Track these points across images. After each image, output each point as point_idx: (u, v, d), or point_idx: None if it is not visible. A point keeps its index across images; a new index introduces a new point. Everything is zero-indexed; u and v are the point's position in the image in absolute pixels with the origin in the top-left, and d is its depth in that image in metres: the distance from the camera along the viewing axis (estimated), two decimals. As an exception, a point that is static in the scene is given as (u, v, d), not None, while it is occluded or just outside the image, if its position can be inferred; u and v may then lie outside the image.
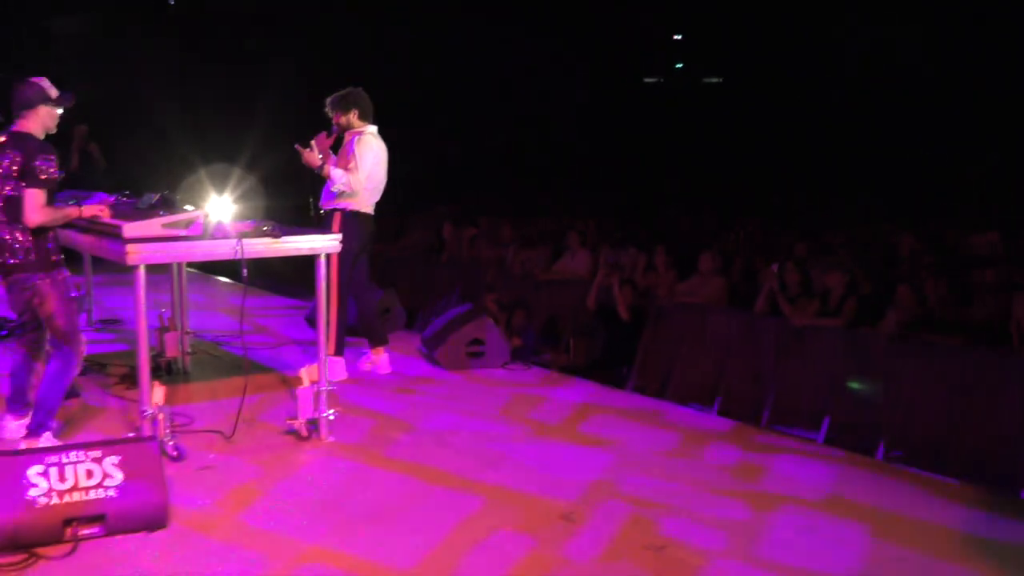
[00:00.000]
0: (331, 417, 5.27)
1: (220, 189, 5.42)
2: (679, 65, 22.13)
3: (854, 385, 7.49)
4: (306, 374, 5.24)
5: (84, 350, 4.98)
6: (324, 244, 5.16)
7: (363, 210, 6.29)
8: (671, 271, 9.11)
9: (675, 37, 21.30)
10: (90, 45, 12.74)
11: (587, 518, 4.44)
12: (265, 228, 4.95)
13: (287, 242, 5.04)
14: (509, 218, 11.81)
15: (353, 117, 6.22)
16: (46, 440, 4.82)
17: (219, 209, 5.01)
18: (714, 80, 22.64)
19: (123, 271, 9.32)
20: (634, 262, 9.47)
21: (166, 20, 14.82)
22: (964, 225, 10.61)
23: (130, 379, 6.21)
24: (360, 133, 6.22)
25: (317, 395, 5.21)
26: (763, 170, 15.85)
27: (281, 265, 7.42)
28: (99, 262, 7.72)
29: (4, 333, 7.09)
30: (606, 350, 8.92)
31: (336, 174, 6.08)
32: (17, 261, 4.70)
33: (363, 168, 6.12)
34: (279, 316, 8.63)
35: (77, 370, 4.99)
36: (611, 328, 8.83)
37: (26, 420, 5.12)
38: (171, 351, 6.46)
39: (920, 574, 4.14)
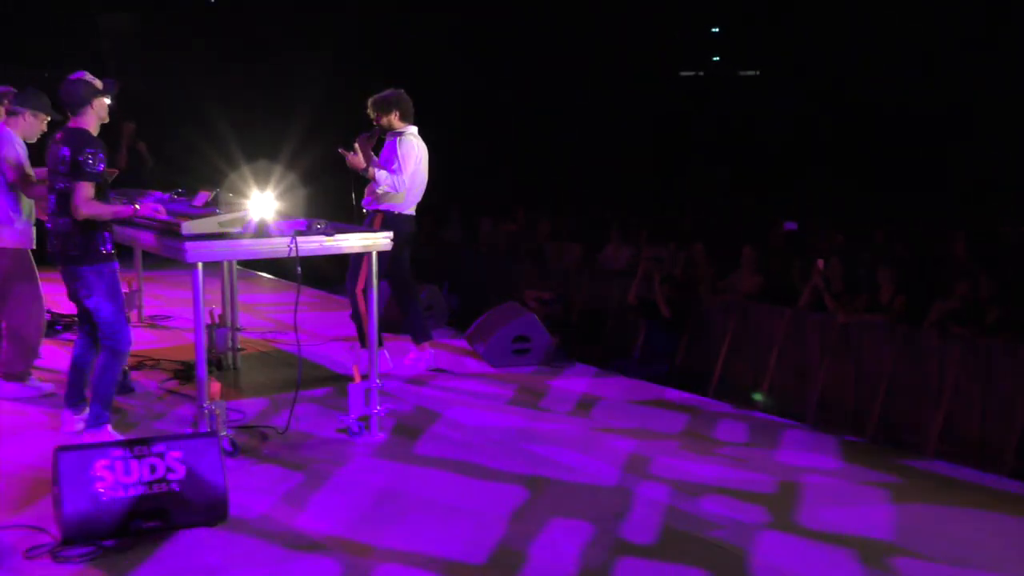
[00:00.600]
0: (381, 414, 5.33)
1: (263, 186, 5.49)
2: (716, 58, 21.98)
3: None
4: (358, 370, 5.31)
5: (131, 343, 5.06)
6: (376, 242, 5.21)
7: (405, 211, 6.36)
8: (711, 267, 9.09)
9: (712, 30, 21.16)
10: (135, 42, 12.94)
11: (631, 502, 4.57)
12: (319, 226, 5.01)
13: (340, 240, 5.10)
14: (546, 212, 11.82)
15: (395, 118, 6.29)
16: (107, 433, 4.92)
17: (262, 206, 5.06)
18: (751, 73, 22.49)
19: (172, 268, 9.45)
20: (674, 257, 9.46)
21: (207, 17, 14.98)
22: (1015, 219, 10.44)
23: (182, 375, 6.34)
24: (401, 134, 6.28)
25: (368, 392, 5.27)
26: (803, 164, 15.76)
27: (322, 261, 7.48)
28: (148, 258, 7.87)
29: (59, 328, 7.24)
30: (646, 346, 8.93)
31: (381, 176, 6.16)
32: (70, 252, 4.82)
33: (407, 169, 6.20)
34: (315, 311, 8.72)
35: (124, 362, 5.10)
36: (651, 323, 8.84)
37: (84, 414, 5.23)
38: (221, 347, 6.56)
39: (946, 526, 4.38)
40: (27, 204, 5.66)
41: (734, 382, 8.26)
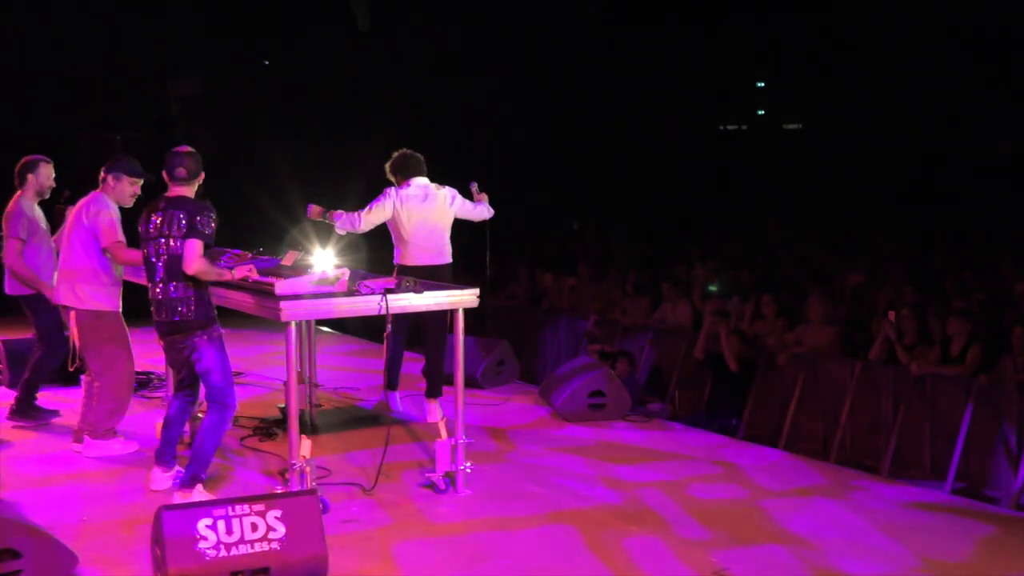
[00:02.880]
0: (468, 470, 5.33)
1: (324, 242, 5.60)
2: (761, 112, 22.21)
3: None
4: (444, 427, 5.32)
5: (237, 405, 5.15)
6: (462, 299, 5.26)
7: (407, 263, 6.48)
8: (780, 319, 9.00)
9: (758, 84, 21.40)
10: (201, 105, 13.30)
11: (717, 520, 4.96)
12: (408, 283, 5.07)
13: (428, 297, 5.15)
14: (606, 266, 11.81)
15: (397, 179, 6.65)
16: (199, 493, 4.96)
17: (323, 262, 5.16)
18: (794, 126, 22.75)
19: (242, 324, 9.47)
20: (740, 310, 9.38)
21: (264, 78, 15.36)
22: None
23: (262, 431, 6.38)
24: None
25: (454, 448, 5.28)
26: (856, 215, 15.75)
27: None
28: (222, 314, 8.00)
29: (135, 386, 7.34)
30: (712, 400, 8.85)
31: (336, 215, 6.44)
32: (179, 319, 4.90)
33: (371, 212, 6.45)
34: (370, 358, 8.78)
35: (230, 424, 5.16)
36: (718, 378, 8.77)
37: (172, 472, 5.29)
38: (301, 404, 6.60)
39: None
40: (118, 267, 5.78)
41: (804, 435, 8.16)
